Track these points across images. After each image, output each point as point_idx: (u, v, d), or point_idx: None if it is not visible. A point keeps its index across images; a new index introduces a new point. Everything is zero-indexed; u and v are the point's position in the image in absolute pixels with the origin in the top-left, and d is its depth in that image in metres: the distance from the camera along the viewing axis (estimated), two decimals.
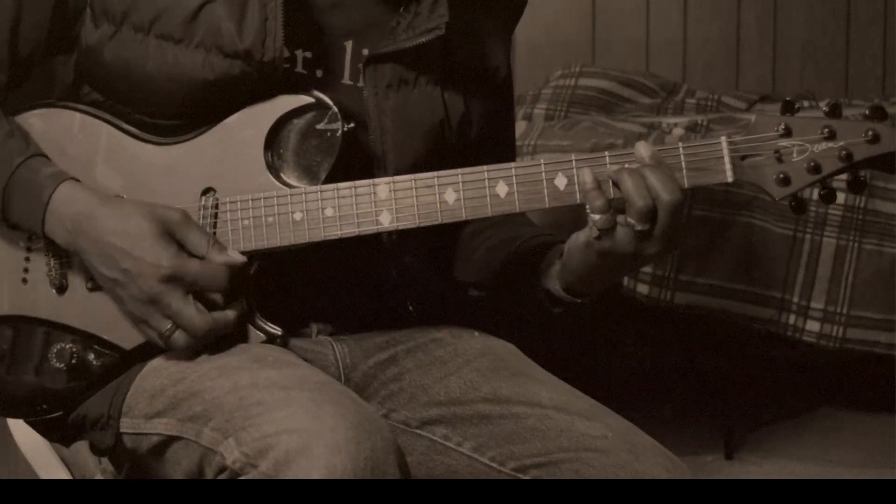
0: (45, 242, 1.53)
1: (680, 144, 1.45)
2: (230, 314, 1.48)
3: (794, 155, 1.44)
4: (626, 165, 1.44)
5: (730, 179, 1.44)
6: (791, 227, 2.66)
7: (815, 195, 1.46)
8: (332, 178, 1.50)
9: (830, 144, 1.43)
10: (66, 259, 1.54)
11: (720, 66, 3.77)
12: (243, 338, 1.52)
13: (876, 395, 2.98)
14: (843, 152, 1.42)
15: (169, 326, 1.46)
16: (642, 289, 2.73)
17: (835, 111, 1.44)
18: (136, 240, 1.45)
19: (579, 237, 1.48)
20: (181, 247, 1.47)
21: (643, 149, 1.44)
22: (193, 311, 1.45)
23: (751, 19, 3.75)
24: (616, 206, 1.43)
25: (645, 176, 1.42)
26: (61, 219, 1.47)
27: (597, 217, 1.43)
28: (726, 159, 1.44)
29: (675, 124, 2.98)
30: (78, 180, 1.50)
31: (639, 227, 1.42)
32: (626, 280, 2.74)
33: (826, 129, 1.43)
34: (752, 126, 1.45)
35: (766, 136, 1.44)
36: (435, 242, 1.66)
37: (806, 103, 2.90)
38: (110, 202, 1.49)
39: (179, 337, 1.47)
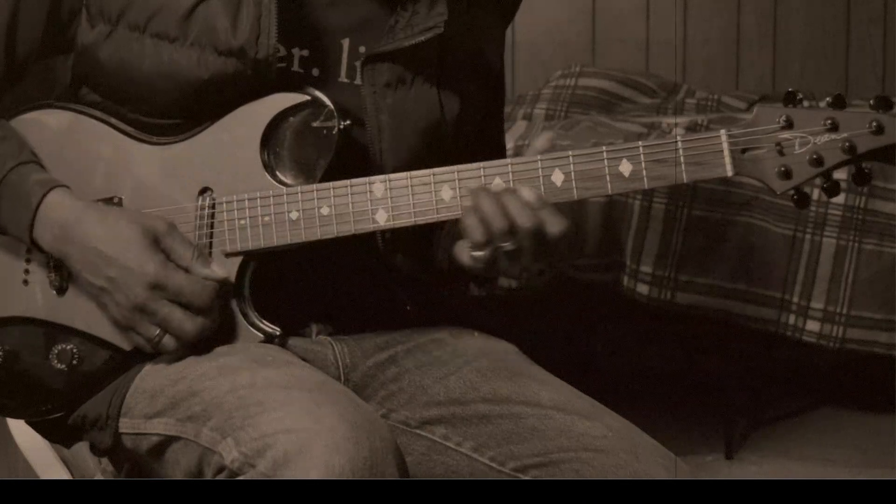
0: (32, 248, 1.53)
1: (678, 138, 1.43)
2: (213, 321, 1.48)
3: (796, 147, 1.42)
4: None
5: (729, 173, 1.43)
6: (791, 227, 2.65)
7: (818, 196, 1.45)
8: (328, 177, 1.49)
9: (833, 136, 1.41)
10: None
11: (720, 66, 3.77)
12: (241, 337, 1.52)
13: (876, 395, 2.98)
14: (847, 144, 1.41)
15: (157, 332, 1.47)
16: (642, 289, 2.73)
17: (838, 103, 1.42)
18: (122, 248, 1.46)
19: (462, 255, 1.50)
20: (167, 257, 1.47)
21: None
22: (181, 315, 1.46)
23: (751, 19, 3.75)
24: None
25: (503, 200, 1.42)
26: (48, 225, 1.48)
27: (476, 255, 1.45)
28: (726, 153, 1.43)
29: (675, 124, 2.98)
30: (68, 187, 1.50)
31: (503, 245, 1.43)
32: (626, 280, 2.74)
33: (829, 121, 1.41)
34: (753, 118, 1.44)
35: (767, 129, 1.43)
36: (432, 241, 1.65)
37: (806, 103, 2.90)
38: (98, 210, 1.49)
39: (168, 342, 1.48)
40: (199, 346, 1.49)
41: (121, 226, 1.47)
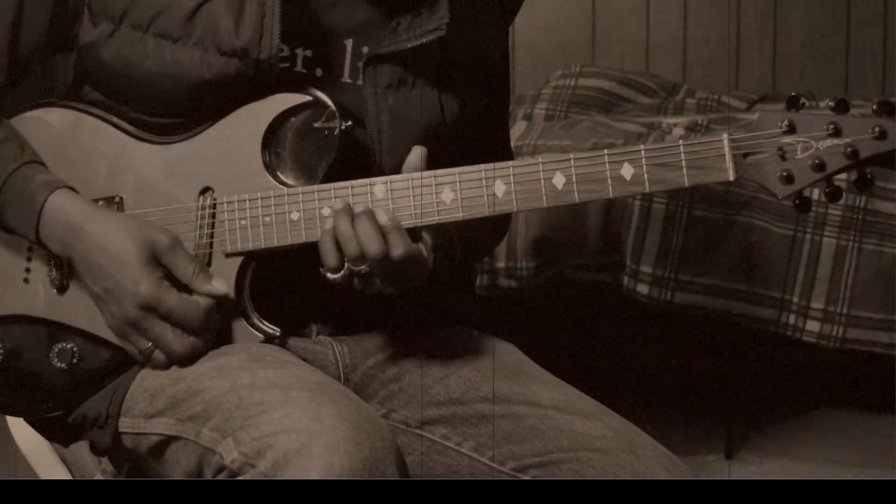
0: (40, 248, 1.53)
1: (680, 142, 1.43)
2: (203, 345, 1.49)
3: (798, 152, 1.42)
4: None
5: (731, 178, 1.43)
6: (791, 227, 2.66)
7: (818, 196, 1.45)
8: (329, 177, 1.50)
9: (836, 141, 1.41)
10: (66, 260, 1.54)
11: (720, 66, 3.77)
12: (241, 337, 1.52)
13: (876, 395, 2.98)
14: (849, 149, 1.40)
15: (148, 346, 1.48)
16: (642, 289, 2.73)
17: (841, 107, 1.42)
18: (120, 263, 1.46)
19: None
20: (168, 273, 1.48)
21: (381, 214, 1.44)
22: (171, 336, 1.47)
23: (751, 19, 3.75)
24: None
25: (355, 224, 1.43)
26: (53, 229, 1.48)
27: (331, 276, 1.45)
28: (727, 157, 1.43)
29: (675, 124, 2.98)
30: (72, 188, 1.50)
31: (356, 269, 1.43)
32: (626, 280, 2.74)
33: (831, 126, 1.41)
34: (755, 123, 1.43)
35: (769, 133, 1.43)
36: None
37: (807, 104, 2.90)
38: (101, 217, 1.49)
39: (159, 356, 1.49)
40: (192, 360, 1.49)
41: (121, 238, 1.47)
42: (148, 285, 1.46)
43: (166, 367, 1.49)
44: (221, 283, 1.49)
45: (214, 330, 1.50)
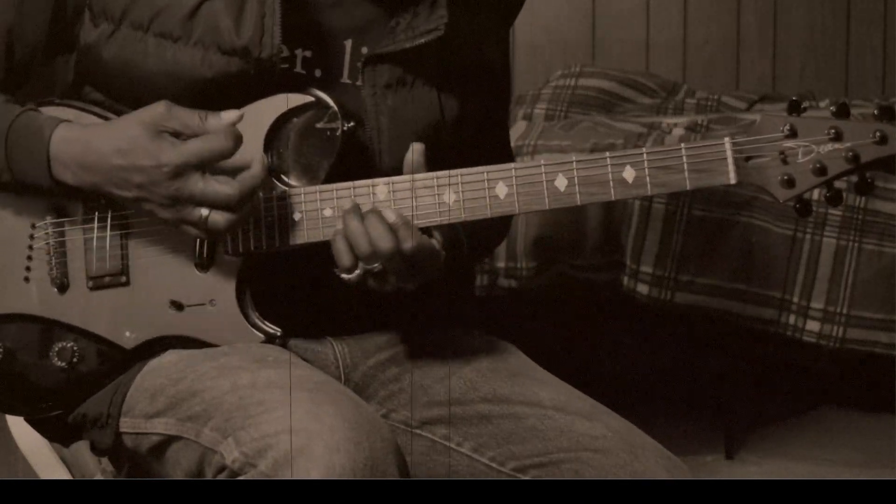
0: (52, 205, 1.53)
1: (682, 145, 1.44)
2: (254, 170, 1.45)
3: (800, 156, 1.43)
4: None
5: (733, 181, 1.44)
6: (791, 227, 2.66)
7: (818, 196, 1.45)
8: (330, 178, 1.50)
9: (837, 146, 1.41)
10: (66, 259, 1.54)
11: (720, 66, 3.77)
12: (242, 337, 1.52)
13: (876, 395, 2.98)
14: (850, 154, 1.41)
15: (205, 213, 1.44)
16: (642, 289, 2.73)
17: (842, 111, 1.42)
18: (133, 152, 1.44)
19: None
20: (179, 135, 1.45)
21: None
22: (216, 184, 1.43)
23: (751, 19, 3.75)
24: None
25: (367, 222, 1.43)
26: (65, 163, 1.47)
27: (346, 277, 1.45)
28: (729, 161, 1.43)
29: (675, 124, 2.98)
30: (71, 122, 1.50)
31: (369, 268, 1.44)
32: (626, 280, 2.74)
33: (832, 130, 1.41)
34: (757, 126, 1.44)
35: (771, 137, 1.43)
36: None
37: (806, 103, 2.90)
38: (100, 129, 1.48)
39: (217, 217, 1.44)
40: (248, 202, 1.46)
41: (123, 133, 1.45)
42: (168, 152, 1.43)
43: (229, 227, 1.45)
44: (230, 112, 1.47)
45: (259, 165, 1.46)
